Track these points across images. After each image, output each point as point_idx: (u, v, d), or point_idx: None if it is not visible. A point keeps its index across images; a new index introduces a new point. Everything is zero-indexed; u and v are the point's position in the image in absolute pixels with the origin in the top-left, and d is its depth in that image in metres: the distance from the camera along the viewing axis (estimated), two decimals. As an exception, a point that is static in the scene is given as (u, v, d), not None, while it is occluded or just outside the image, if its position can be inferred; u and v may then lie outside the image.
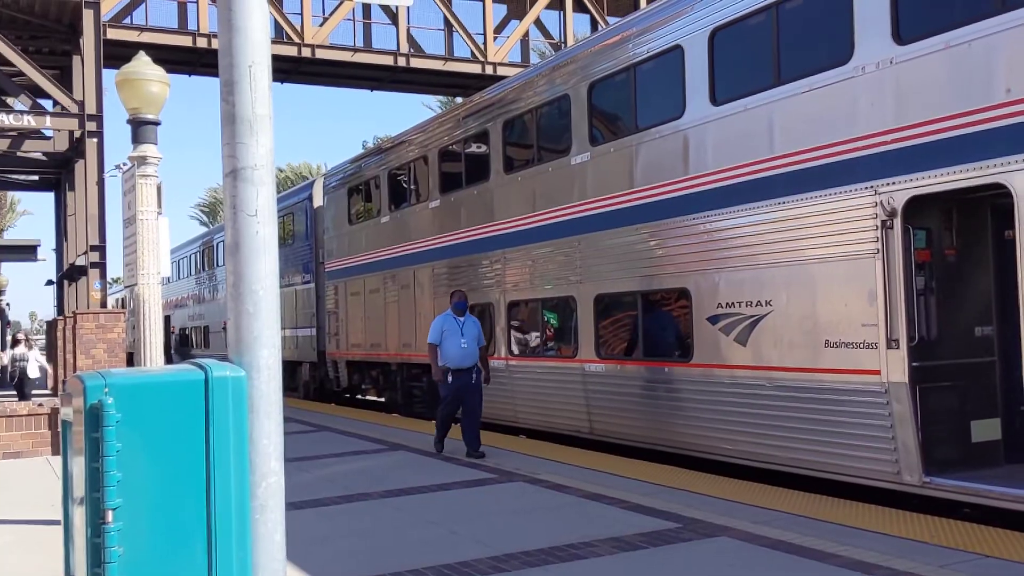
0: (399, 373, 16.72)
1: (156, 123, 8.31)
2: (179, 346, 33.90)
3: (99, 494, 3.00)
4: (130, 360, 20.68)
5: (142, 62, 8.25)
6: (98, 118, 17.61)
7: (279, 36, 21.80)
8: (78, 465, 3.21)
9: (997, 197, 6.92)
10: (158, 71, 8.31)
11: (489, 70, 24.03)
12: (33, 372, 20.51)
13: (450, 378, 10.50)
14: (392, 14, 23.54)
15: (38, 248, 25.45)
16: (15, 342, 22.56)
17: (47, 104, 19.81)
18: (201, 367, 3.20)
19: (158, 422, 3.12)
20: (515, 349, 12.80)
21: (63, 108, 17.95)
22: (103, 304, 17.55)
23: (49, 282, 30.60)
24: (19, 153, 19.53)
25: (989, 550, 5.84)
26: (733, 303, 8.90)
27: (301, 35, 22.44)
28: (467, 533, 6.85)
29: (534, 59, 25.85)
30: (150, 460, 3.10)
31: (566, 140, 11.57)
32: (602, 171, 10.89)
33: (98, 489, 3.00)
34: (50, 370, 22.17)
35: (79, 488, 3.21)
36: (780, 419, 8.39)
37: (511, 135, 13.02)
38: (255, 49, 3.28)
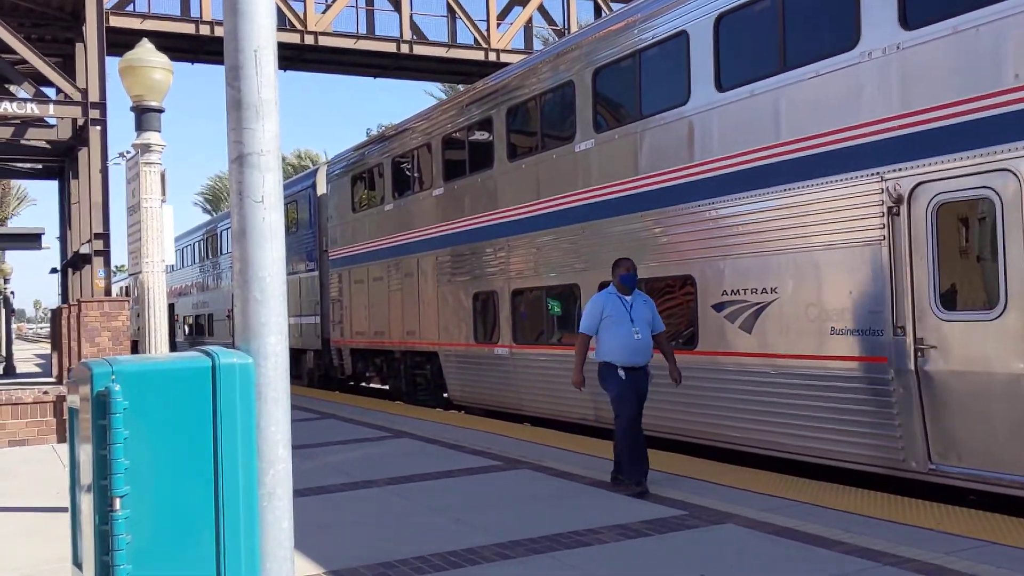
0: (403, 361, 16.73)
1: (160, 110, 8.29)
2: (190, 335, 33.76)
3: (107, 481, 3.00)
4: (135, 348, 20.70)
5: (145, 49, 8.22)
6: (101, 106, 17.57)
7: (282, 23, 21.73)
8: (85, 452, 3.21)
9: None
10: (162, 58, 8.28)
11: (492, 57, 23.93)
12: None
13: (622, 374, 7.72)
14: (395, 0, 23.44)
15: (42, 236, 25.41)
16: None
17: (50, 92, 19.76)
18: (208, 354, 3.19)
19: (165, 409, 3.11)
20: (519, 337, 12.79)
21: (66, 96, 17.91)
22: (107, 292, 17.54)
23: (53, 270, 30.62)
24: (22, 141, 19.51)
25: (995, 537, 5.84)
26: (738, 290, 8.88)
27: (304, 22, 22.36)
28: (472, 520, 6.85)
29: (538, 46, 25.76)
30: (158, 447, 3.10)
31: (570, 127, 11.53)
32: (606, 158, 10.86)
33: (105, 476, 3.00)
34: None
35: (86, 476, 3.21)
36: (785, 406, 8.39)
37: (515, 122, 12.98)
38: (260, 33, 3.25)
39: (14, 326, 36.40)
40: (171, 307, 34.11)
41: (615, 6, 23.75)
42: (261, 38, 3.26)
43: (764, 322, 8.59)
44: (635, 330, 7.77)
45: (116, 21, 20.41)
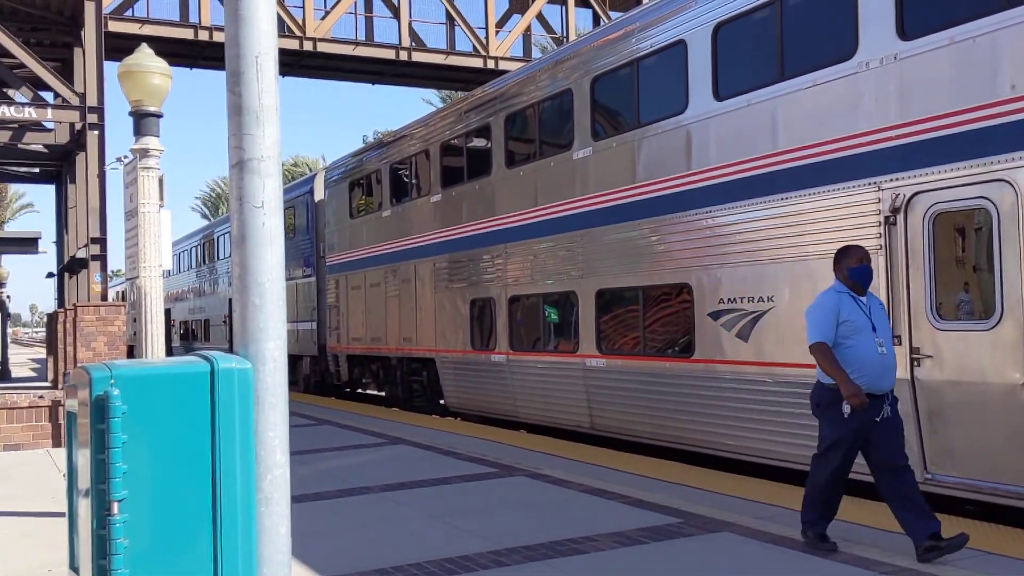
0: (399, 367, 16.72)
1: (158, 115, 8.30)
2: (186, 340, 33.78)
3: (105, 486, 2.99)
4: (131, 353, 20.66)
5: (144, 54, 8.24)
6: (99, 110, 17.57)
7: (281, 29, 21.76)
8: (83, 457, 3.20)
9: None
10: (160, 63, 8.29)
11: (491, 64, 23.97)
12: None
13: (846, 410, 5.83)
14: (394, 8, 23.49)
15: (39, 240, 25.39)
16: None
17: (48, 96, 19.75)
18: (207, 359, 3.18)
19: (164, 414, 3.11)
20: (516, 344, 12.80)
21: (64, 100, 17.91)
22: (104, 297, 17.52)
23: (50, 275, 30.55)
24: (20, 145, 19.49)
25: (992, 547, 5.84)
26: (735, 299, 8.89)
27: (303, 28, 22.41)
28: (468, 527, 6.85)
29: (536, 54, 25.80)
30: (156, 452, 3.09)
31: (568, 135, 11.55)
32: (604, 166, 10.88)
33: (104, 481, 2.99)
34: None
35: (84, 480, 3.20)
36: (782, 415, 8.39)
37: (513, 129, 13.01)
38: (262, 39, 3.26)
39: (9, 330, 36.30)
40: (167, 312, 34.11)
41: (613, 15, 23.81)
42: (262, 44, 3.27)
43: (761, 331, 8.60)
44: (879, 342, 5.95)
45: (115, 26, 20.44)
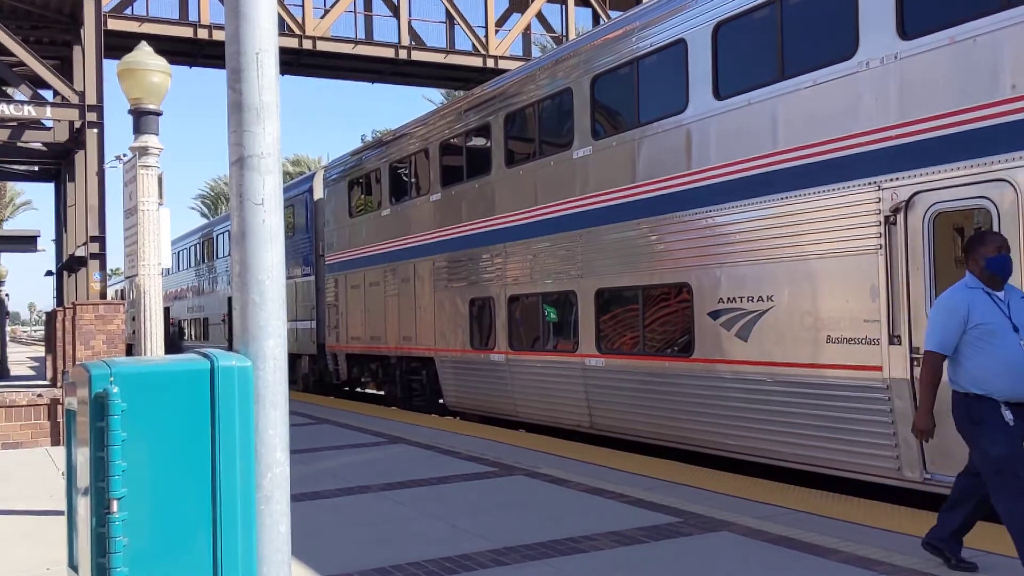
0: (399, 366, 16.71)
1: (158, 113, 8.29)
2: (177, 339, 33.82)
3: (104, 484, 2.98)
4: (129, 351, 20.63)
5: (144, 52, 8.23)
6: (98, 108, 17.55)
7: (280, 28, 21.74)
8: (83, 455, 3.19)
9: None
10: (160, 61, 8.29)
11: (490, 63, 23.96)
12: None
13: (1009, 416, 5.01)
14: (393, 6, 23.48)
15: (38, 238, 25.35)
16: None
17: (47, 94, 19.73)
18: (207, 356, 3.18)
19: (164, 411, 3.10)
20: (515, 343, 12.79)
21: (63, 98, 17.88)
22: (103, 295, 17.50)
23: (48, 273, 30.52)
24: (19, 143, 19.47)
25: (991, 547, 5.84)
26: (735, 298, 8.89)
27: (302, 27, 22.39)
28: (467, 526, 6.85)
29: (536, 53, 25.79)
30: (155, 450, 3.09)
31: (568, 134, 11.55)
32: (604, 165, 10.87)
33: (103, 479, 2.99)
34: None
35: (83, 478, 3.20)
36: (782, 415, 8.39)
37: (512, 129, 13.00)
38: (262, 37, 3.25)
39: (8, 329, 36.29)
40: (166, 311, 34.10)
41: (613, 14, 23.80)
42: (263, 41, 3.26)
43: (760, 330, 8.60)
44: None
45: (114, 24, 20.42)
